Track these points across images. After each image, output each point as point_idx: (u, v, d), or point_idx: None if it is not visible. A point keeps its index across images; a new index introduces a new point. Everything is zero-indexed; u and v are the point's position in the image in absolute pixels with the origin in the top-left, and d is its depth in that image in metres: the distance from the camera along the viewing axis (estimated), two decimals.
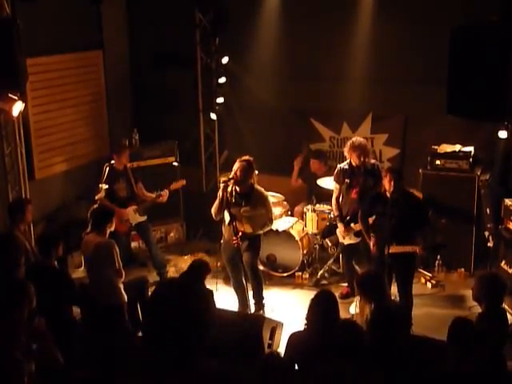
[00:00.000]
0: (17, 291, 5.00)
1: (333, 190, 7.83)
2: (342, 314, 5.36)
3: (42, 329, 5.11)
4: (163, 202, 8.22)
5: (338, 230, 7.64)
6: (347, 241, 7.53)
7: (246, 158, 7.11)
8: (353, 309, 7.04)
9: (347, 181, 7.53)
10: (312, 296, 5.07)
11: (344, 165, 7.62)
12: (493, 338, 4.84)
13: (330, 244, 8.23)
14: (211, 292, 6.10)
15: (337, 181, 7.67)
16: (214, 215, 7.24)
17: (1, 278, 5.92)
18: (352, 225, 7.42)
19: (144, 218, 8.23)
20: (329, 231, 8.13)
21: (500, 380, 4.64)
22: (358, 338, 4.48)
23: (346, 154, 7.58)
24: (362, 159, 7.38)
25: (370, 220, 6.96)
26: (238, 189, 7.09)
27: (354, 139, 7.56)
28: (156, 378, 5.63)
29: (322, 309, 4.83)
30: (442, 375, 4.45)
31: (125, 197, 8.17)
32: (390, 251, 6.50)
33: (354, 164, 7.46)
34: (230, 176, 7.08)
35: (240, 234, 7.02)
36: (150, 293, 7.14)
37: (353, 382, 4.41)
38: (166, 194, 8.17)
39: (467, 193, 8.10)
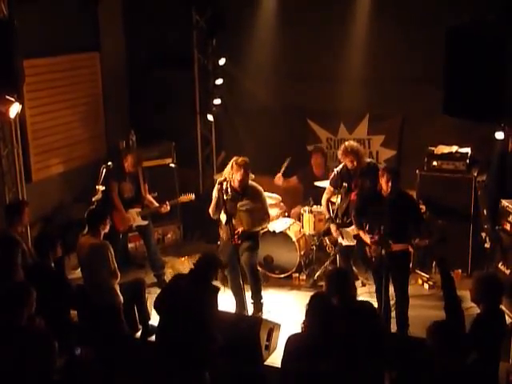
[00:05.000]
0: (19, 293, 4.99)
1: None
2: None
3: (42, 330, 5.12)
4: (163, 212, 8.25)
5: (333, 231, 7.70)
6: (345, 242, 7.54)
7: (243, 161, 7.08)
8: None
9: (345, 184, 7.54)
10: (308, 298, 5.07)
11: (340, 168, 7.64)
12: (490, 338, 4.87)
13: (328, 242, 8.25)
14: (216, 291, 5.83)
15: (333, 184, 7.71)
16: (211, 215, 7.30)
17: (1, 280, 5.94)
18: (352, 228, 7.42)
19: (145, 223, 8.25)
20: (329, 230, 8.14)
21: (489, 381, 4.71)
22: None
23: (339, 157, 7.63)
24: (354, 164, 7.42)
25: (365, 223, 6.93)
26: (234, 186, 7.09)
27: (346, 143, 7.59)
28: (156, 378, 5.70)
29: (318, 311, 4.83)
30: (429, 376, 4.50)
31: (129, 198, 8.16)
32: (388, 250, 6.51)
33: (348, 167, 7.48)
34: (236, 183, 7.06)
35: (238, 232, 7.02)
36: (146, 295, 7.17)
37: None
38: (167, 206, 8.19)
39: (464, 194, 8.10)
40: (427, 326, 4.63)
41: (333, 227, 7.67)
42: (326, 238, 8.26)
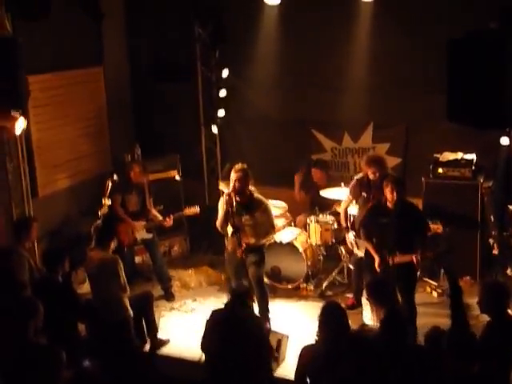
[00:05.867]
0: (26, 309, 4.98)
1: (336, 200, 7.83)
2: (352, 325, 5.34)
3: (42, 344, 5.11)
4: (167, 226, 8.26)
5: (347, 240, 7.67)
6: (360, 253, 7.48)
7: (241, 166, 7.08)
8: (367, 319, 6.99)
9: (364, 194, 7.50)
10: (317, 308, 5.05)
11: (360, 177, 7.59)
12: (502, 345, 4.86)
13: (343, 251, 8.20)
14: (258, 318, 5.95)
15: (352, 193, 7.67)
16: (219, 228, 7.23)
17: (9, 296, 5.94)
18: None
19: (150, 236, 8.25)
20: (345, 239, 8.08)
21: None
22: None
23: (362, 167, 7.58)
24: (376, 175, 7.31)
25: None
26: (238, 198, 7.06)
27: (370, 154, 7.61)
28: None
29: (333, 321, 4.81)
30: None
31: (134, 211, 8.17)
32: (395, 261, 6.49)
33: (370, 178, 7.43)
34: (230, 189, 7.05)
35: (244, 245, 7.00)
36: (154, 308, 7.16)
37: None
38: (170, 220, 8.21)
39: (470, 200, 8.08)
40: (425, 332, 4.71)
41: (348, 237, 7.62)
42: (342, 247, 8.21)
